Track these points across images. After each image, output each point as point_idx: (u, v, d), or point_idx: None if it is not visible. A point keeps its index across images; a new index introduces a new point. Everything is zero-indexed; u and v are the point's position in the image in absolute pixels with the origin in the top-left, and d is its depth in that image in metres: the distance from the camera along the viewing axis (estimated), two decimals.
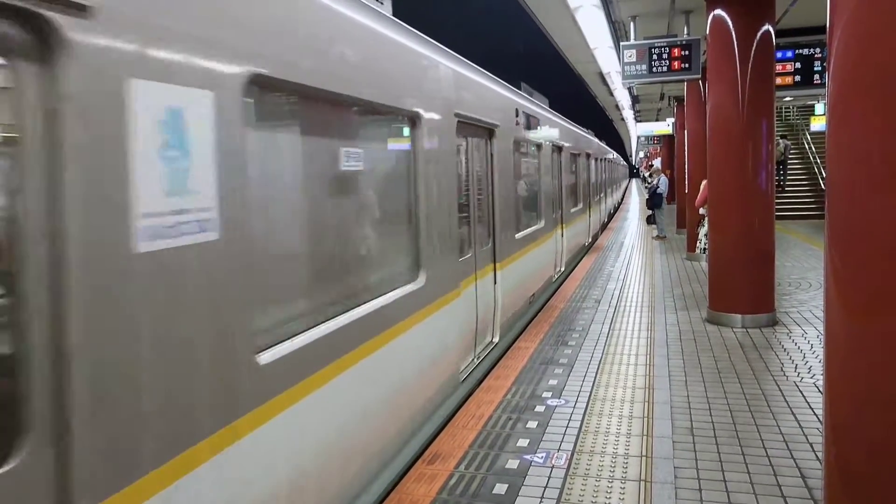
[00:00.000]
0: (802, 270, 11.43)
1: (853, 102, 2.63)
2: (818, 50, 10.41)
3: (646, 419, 4.99)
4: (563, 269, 12.16)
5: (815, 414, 5.00)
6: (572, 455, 4.41)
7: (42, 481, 1.87)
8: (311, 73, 3.31)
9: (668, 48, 9.55)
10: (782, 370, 6.11)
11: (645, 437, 4.65)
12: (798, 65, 10.61)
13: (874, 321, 2.58)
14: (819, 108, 22.84)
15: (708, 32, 8.11)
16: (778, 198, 8.69)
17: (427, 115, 4.97)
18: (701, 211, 12.08)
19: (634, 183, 66.19)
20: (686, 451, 4.43)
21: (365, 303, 3.99)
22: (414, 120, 4.83)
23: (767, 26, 7.74)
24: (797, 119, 26.70)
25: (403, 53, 4.76)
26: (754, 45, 7.68)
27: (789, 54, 10.57)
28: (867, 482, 2.60)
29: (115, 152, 2.08)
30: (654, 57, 9.60)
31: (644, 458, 4.32)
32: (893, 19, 2.41)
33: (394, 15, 4.84)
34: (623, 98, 22.91)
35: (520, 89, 9.58)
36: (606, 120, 38.89)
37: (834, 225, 2.75)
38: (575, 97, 26.54)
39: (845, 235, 2.70)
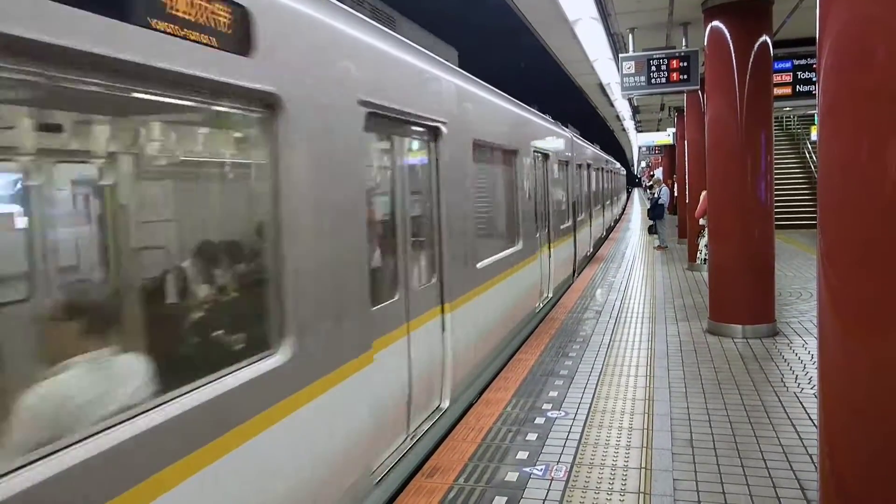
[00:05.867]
0: (803, 280, 11.43)
1: (842, 118, 2.65)
2: (816, 61, 10.44)
3: (645, 431, 4.99)
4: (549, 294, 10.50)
5: (814, 425, 5.00)
6: (572, 467, 4.41)
7: None
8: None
9: (666, 60, 9.59)
10: (782, 381, 6.11)
11: (644, 450, 4.65)
12: (796, 75, 10.65)
13: (867, 333, 2.59)
14: None
15: (706, 44, 8.15)
16: (778, 207, 8.70)
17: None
18: (701, 221, 12.11)
19: (636, 193, 66.35)
20: (685, 463, 4.43)
21: None
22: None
23: (765, 38, 7.78)
24: (797, 128, 26.74)
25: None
26: (752, 56, 7.72)
27: (787, 65, 10.62)
28: (862, 494, 2.61)
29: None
30: (653, 68, 9.63)
31: (643, 471, 4.32)
32: (876, 39, 2.44)
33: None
34: (624, 109, 22.97)
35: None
36: (608, 130, 38.98)
37: (826, 238, 2.77)
38: (577, 109, 26.63)
39: (837, 249, 2.72)
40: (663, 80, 9.64)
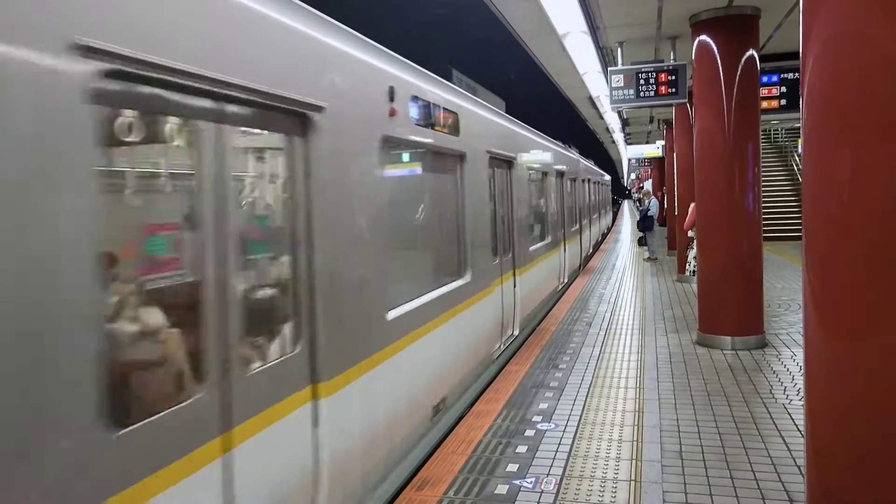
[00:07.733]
0: (792, 292, 11.49)
1: (826, 131, 2.69)
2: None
3: (635, 443, 4.99)
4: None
5: (803, 436, 5.00)
6: (561, 480, 4.41)
7: None
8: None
9: (654, 73, 9.67)
10: (771, 392, 6.13)
11: (634, 462, 4.66)
12: (783, 89, 10.74)
13: (853, 343, 2.61)
14: None
15: (694, 58, 8.23)
16: (766, 219, 8.76)
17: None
18: (690, 233, 12.17)
19: (626, 204, 66.70)
20: (675, 475, 4.44)
21: None
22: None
23: (752, 52, 7.87)
24: (785, 140, 26.97)
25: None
26: (739, 70, 7.81)
27: (774, 78, 10.71)
28: (848, 502, 2.62)
29: None
30: (642, 82, 9.71)
31: (633, 483, 4.32)
32: (859, 54, 2.48)
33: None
34: (613, 121, 23.09)
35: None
36: (598, 143, 39.19)
37: (811, 250, 2.80)
38: (567, 121, 26.78)
39: (822, 260, 2.75)
40: (652, 93, 9.72)
